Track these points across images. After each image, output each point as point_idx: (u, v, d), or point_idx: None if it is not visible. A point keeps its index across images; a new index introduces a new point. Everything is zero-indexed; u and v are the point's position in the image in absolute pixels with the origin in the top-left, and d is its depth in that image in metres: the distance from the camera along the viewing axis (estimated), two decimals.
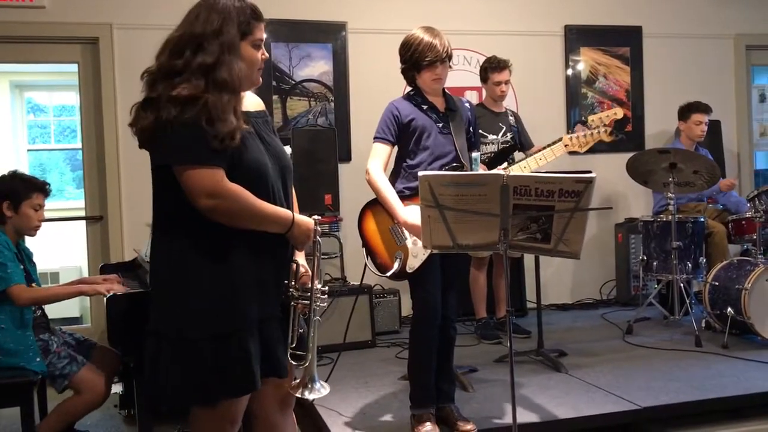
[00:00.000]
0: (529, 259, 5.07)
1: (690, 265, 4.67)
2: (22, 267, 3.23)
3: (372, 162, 3.03)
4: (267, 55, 2.12)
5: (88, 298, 5.26)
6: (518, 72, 4.92)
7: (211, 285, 1.93)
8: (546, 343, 4.16)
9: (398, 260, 2.95)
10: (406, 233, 2.97)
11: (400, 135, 3.03)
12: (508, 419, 2.53)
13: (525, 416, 3.12)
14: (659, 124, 6.01)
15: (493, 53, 4.90)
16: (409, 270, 2.96)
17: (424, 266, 2.94)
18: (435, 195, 2.33)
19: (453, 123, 3.05)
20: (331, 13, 5.43)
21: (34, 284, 3.30)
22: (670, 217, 4.57)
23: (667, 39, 6.14)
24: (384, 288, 5.00)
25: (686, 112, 5.34)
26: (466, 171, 2.98)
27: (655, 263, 4.82)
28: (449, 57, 3.00)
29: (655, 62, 6.12)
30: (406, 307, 5.35)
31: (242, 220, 1.93)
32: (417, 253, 2.94)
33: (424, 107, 3.06)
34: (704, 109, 5.29)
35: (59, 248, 6.07)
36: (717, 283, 4.47)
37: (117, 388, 3.83)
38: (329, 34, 5.45)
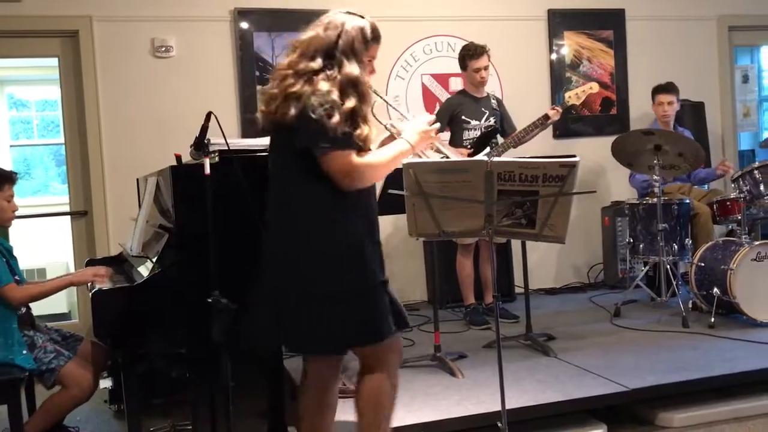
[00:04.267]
0: (516, 244, 5.08)
1: (676, 246, 4.69)
2: (5, 260, 3.21)
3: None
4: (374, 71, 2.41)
5: (75, 293, 5.24)
6: (502, 57, 4.92)
7: (348, 255, 2.24)
8: (534, 327, 4.17)
9: None
10: None
11: None
12: (497, 404, 2.54)
13: (514, 400, 3.13)
14: (644, 107, 6.02)
15: (477, 39, 4.89)
16: None
17: None
18: (420, 183, 2.32)
19: None
20: (312, 1, 5.40)
21: (17, 277, 3.28)
22: (655, 199, 4.59)
23: (650, 21, 6.15)
24: None
25: (653, 94, 5.37)
26: None
27: (641, 246, 4.84)
28: None
29: (639, 45, 6.13)
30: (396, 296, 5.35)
31: (379, 176, 2.34)
32: None
33: None
34: (665, 89, 5.29)
35: (45, 244, 6.04)
36: (703, 264, 4.50)
37: (106, 383, 3.82)
38: (311, 23, 5.40)
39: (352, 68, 2.22)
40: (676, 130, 5.26)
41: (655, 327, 4.40)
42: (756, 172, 4.60)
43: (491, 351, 4.03)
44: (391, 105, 2.46)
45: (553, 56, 5.93)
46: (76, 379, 3.17)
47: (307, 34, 2.32)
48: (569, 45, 5.97)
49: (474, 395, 3.31)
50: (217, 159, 2.90)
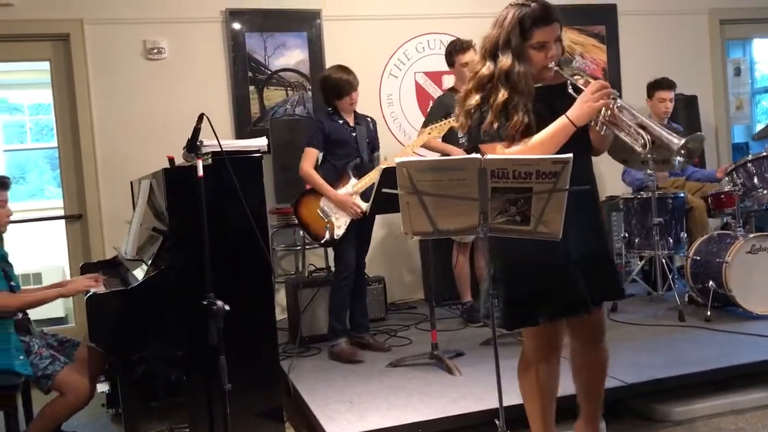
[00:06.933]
0: None
1: (671, 240, 4.70)
2: (1, 269, 3.20)
3: (305, 163, 4.13)
4: (554, 53, 2.36)
5: (72, 297, 5.22)
6: None
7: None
8: None
9: (327, 230, 4.08)
10: (329, 211, 4.09)
11: (325, 142, 4.14)
12: (495, 401, 2.53)
13: (511, 398, 3.11)
14: (637, 102, 6.00)
15: (470, 36, 4.87)
16: (336, 237, 4.08)
17: (346, 233, 4.07)
18: (413, 181, 2.31)
19: (358, 130, 4.21)
20: (304, 0, 5.40)
21: (12, 283, 3.27)
22: (650, 193, 4.59)
23: (641, 16, 6.15)
24: (370, 276, 4.99)
25: (650, 89, 5.31)
26: (365, 164, 4.16)
27: (637, 240, 4.85)
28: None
29: (631, 40, 6.13)
30: (392, 295, 5.36)
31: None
32: (340, 224, 4.08)
33: (340, 122, 4.18)
34: (667, 85, 5.24)
35: (41, 249, 6.02)
36: (698, 258, 4.51)
37: (103, 387, 3.81)
38: (304, 23, 5.41)
39: (504, 62, 2.33)
40: (670, 125, 5.26)
41: (652, 321, 4.40)
42: (750, 164, 4.61)
43: (488, 348, 4.03)
44: (577, 85, 2.46)
45: None
46: (73, 386, 3.16)
47: (487, 32, 2.42)
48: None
49: (472, 393, 3.31)
50: (210, 160, 2.90)
